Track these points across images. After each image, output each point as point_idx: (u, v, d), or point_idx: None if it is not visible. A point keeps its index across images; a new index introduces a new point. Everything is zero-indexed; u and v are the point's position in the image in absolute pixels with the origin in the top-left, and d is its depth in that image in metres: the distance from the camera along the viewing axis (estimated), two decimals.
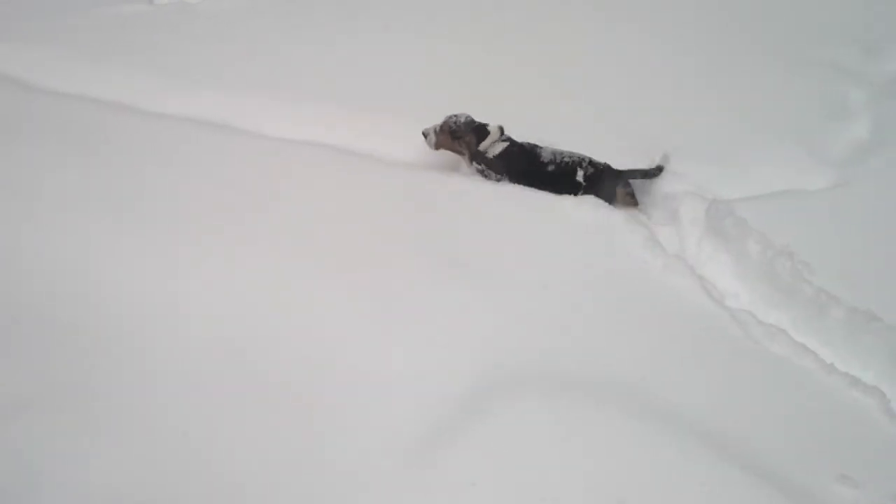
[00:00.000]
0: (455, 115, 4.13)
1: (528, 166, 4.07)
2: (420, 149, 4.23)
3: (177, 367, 2.87)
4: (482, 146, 4.10)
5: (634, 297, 3.40)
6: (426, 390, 2.82)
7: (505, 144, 4.10)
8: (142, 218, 3.54)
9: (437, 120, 4.16)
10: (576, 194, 3.96)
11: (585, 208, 3.80)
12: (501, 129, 4.14)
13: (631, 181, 4.07)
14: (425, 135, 4.16)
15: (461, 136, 4.11)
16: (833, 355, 3.16)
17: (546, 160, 4.06)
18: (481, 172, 4.14)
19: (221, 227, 3.51)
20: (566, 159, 4.04)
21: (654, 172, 4.10)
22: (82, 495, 2.41)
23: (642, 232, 3.68)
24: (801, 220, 3.84)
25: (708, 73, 5.06)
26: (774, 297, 3.49)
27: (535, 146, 4.12)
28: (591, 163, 4.04)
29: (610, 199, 3.98)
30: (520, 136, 4.16)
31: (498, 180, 4.10)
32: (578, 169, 4.02)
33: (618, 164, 4.08)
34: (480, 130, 4.12)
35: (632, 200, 4.05)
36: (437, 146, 4.18)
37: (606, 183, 4.02)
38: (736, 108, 4.71)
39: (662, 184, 4.08)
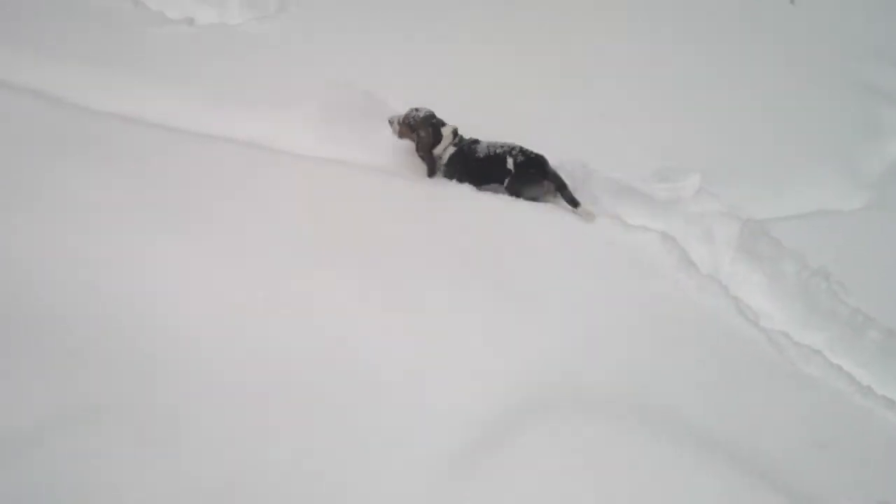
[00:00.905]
0: (416, 109, 4.28)
1: (465, 165, 4.21)
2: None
3: (231, 377, 2.90)
4: (436, 152, 4.25)
5: (668, 318, 3.40)
6: (461, 406, 2.83)
7: (454, 150, 4.25)
8: (196, 235, 3.60)
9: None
10: (503, 182, 4.10)
11: (619, 229, 3.81)
12: (455, 132, 4.29)
13: (556, 181, 4.09)
14: (391, 122, 4.32)
15: (415, 129, 4.24)
16: (870, 377, 3.16)
17: (482, 155, 4.19)
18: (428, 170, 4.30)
19: (267, 245, 3.57)
20: (498, 150, 4.15)
21: (569, 198, 4.02)
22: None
23: (676, 252, 3.69)
24: (836, 240, 3.83)
25: (741, 92, 5.07)
26: (810, 318, 3.49)
27: (475, 142, 4.25)
28: (522, 151, 4.12)
29: (536, 188, 4.09)
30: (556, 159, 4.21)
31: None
32: (508, 157, 4.11)
33: (649, 184, 4.09)
34: (435, 128, 4.25)
35: (551, 197, 4.11)
36: (401, 135, 4.32)
37: (534, 171, 4.09)
38: (770, 128, 4.73)
39: (696, 204, 4.08)
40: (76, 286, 3.33)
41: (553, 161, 4.16)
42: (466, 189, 4.12)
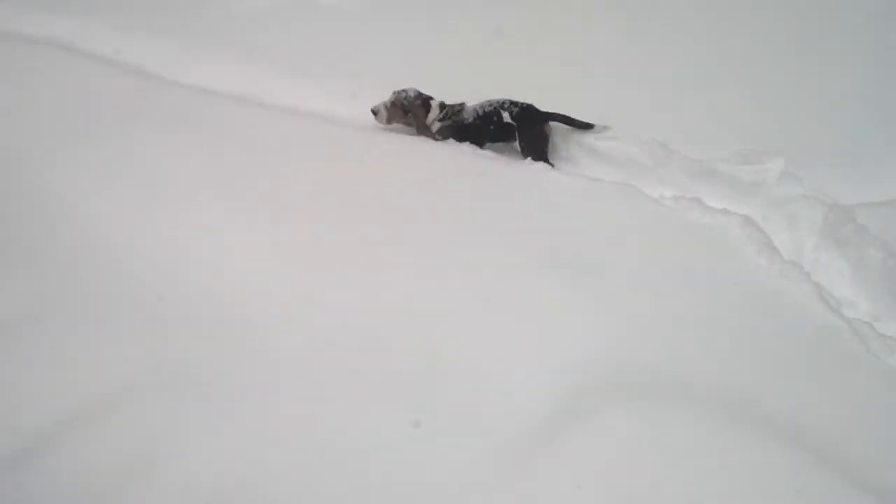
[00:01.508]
0: (404, 91, 4.49)
1: (462, 128, 4.40)
2: None
3: (298, 356, 2.98)
4: (428, 120, 4.46)
5: (747, 303, 3.33)
6: (537, 386, 2.85)
7: (440, 125, 4.47)
8: (269, 210, 3.71)
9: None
10: (512, 140, 4.30)
11: (699, 211, 3.75)
12: (442, 105, 4.49)
13: (556, 117, 4.27)
14: (375, 112, 4.48)
15: (411, 110, 4.47)
16: None
17: (472, 118, 4.37)
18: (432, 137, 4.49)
19: (344, 222, 3.65)
20: (487, 108, 4.33)
21: (581, 124, 4.24)
22: (193, 479, 2.51)
23: (758, 237, 3.61)
24: None
25: (827, 72, 4.90)
26: (895, 307, 3.40)
27: (461, 107, 4.46)
28: (512, 102, 4.29)
29: (543, 135, 4.25)
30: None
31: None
32: (502, 111, 4.27)
33: (731, 166, 4.02)
34: (426, 103, 4.49)
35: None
36: (389, 120, 4.52)
37: (536, 118, 4.25)
38: (858, 109, 4.56)
39: (779, 187, 3.98)
40: (157, 257, 3.47)
41: (631, 140, 4.13)
42: (537, 167, 4.09)
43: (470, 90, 4.55)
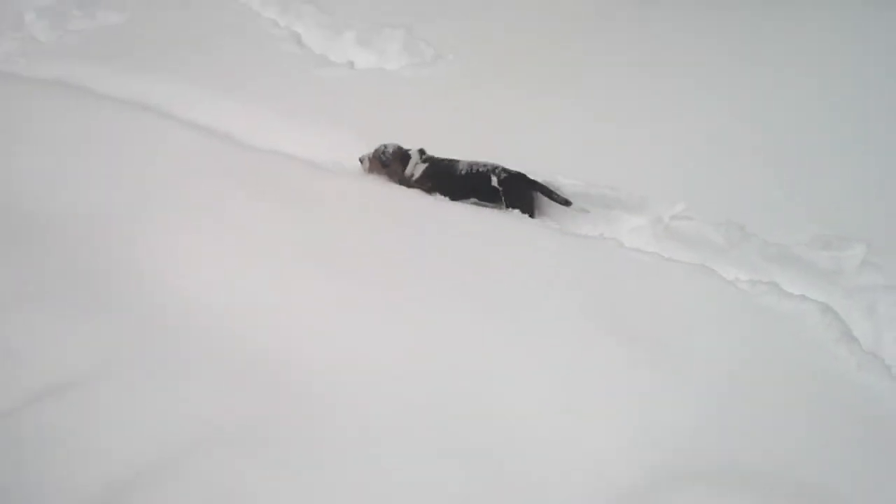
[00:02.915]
0: (385, 145, 4.67)
1: (448, 179, 4.55)
2: None
3: (366, 422, 3.02)
4: (407, 171, 4.61)
5: (824, 395, 3.24)
6: (599, 467, 2.84)
7: (425, 166, 4.62)
8: (346, 272, 3.80)
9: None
10: (497, 202, 4.43)
11: (775, 297, 3.68)
12: (422, 152, 4.67)
13: (541, 189, 4.42)
14: (361, 161, 4.71)
15: (388, 165, 4.65)
16: None
17: (463, 172, 4.51)
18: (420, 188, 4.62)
19: (415, 285, 3.72)
20: (480, 168, 4.47)
21: (561, 200, 4.38)
22: None
23: (838, 325, 3.52)
24: None
25: None
26: None
27: (454, 161, 4.59)
28: (504, 169, 4.43)
29: (530, 204, 4.43)
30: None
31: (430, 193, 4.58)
32: (492, 175, 4.42)
33: (810, 251, 3.94)
34: (405, 157, 4.66)
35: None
36: (370, 171, 4.71)
37: (521, 187, 4.40)
38: None
39: (859, 276, 3.88)
40: (237, 316, 3.55)
41: (706, 220, 4.09)
42: (608, 243, 4.09)
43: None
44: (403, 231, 4.14)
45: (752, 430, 3.04)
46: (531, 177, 4.43)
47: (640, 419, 3.06)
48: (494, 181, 4.41)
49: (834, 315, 3.57)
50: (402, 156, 4.66)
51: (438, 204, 4.40)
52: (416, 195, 4.49)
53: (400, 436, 2.96)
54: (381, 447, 2.91)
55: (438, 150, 4.76)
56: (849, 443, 3.02)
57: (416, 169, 4.62)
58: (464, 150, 4.73)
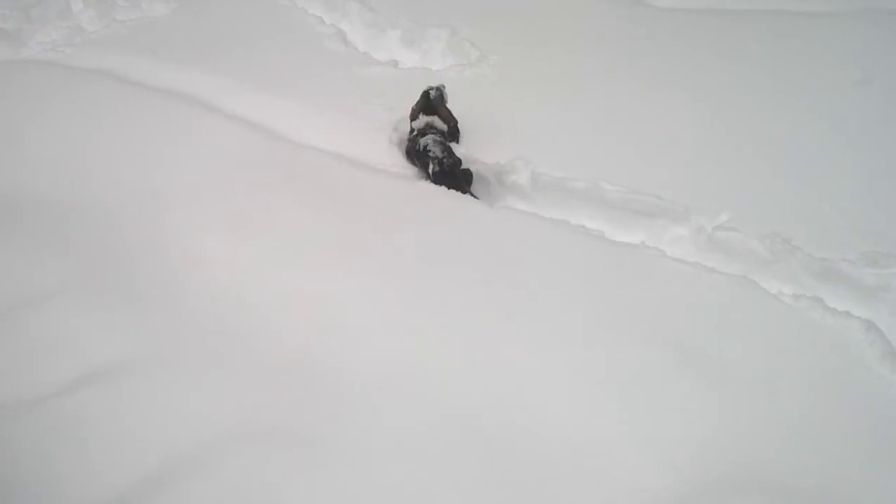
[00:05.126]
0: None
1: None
2: None
3: (398, 422, 3.05)
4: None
5: (866, 413, 3.22)
6: (641, 478, 2.84)
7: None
8: (382, 270, 3.84)
9: None
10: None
11: (819, 312, 3.64)
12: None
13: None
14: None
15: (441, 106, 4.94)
16: None
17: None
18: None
19: (451, 288, 3.73)
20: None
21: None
22: None
23: (882, 343, 3.47)
24: None
25: None
26: None
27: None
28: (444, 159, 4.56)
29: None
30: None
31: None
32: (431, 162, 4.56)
33: (856, 268, 3.89)
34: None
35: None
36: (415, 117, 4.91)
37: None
38: None
39: None
40: (266, 301, 3.63)
41: (750, 231, 4.05)
42: (649, 251, 4.09)
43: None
44: (440, 230, 4.15)
45: (789, 445, 3.03)
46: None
47: (676, 429, 3.06)
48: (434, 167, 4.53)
49: (878, 333, 3.52)
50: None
51: (476, 205, 4.39)
52: (455, 195, 4.49)
53: (432, 437, 2.98)
54: (413, 447, 2.94)
55: (482, 152, 4.77)
56: (886, 464, 2.99)
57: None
58: (507, 151, 4.75)
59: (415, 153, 4.74)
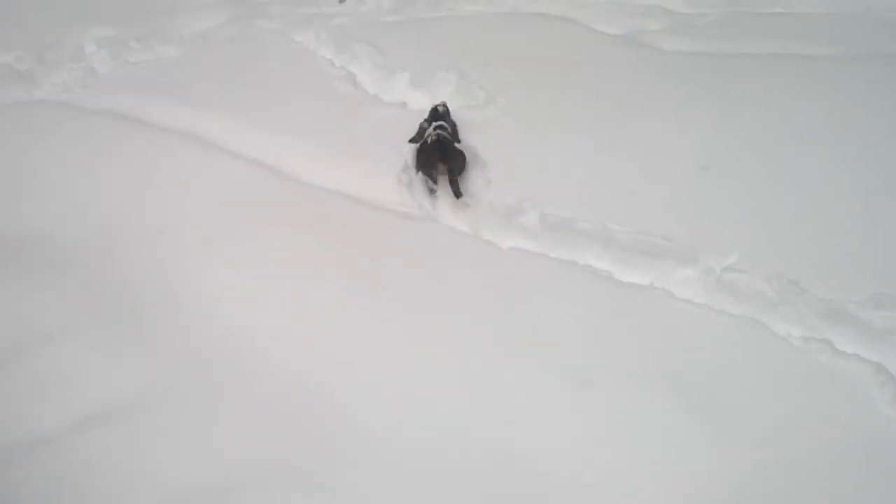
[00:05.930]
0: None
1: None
2: None
3: (408, 458, 3.06)
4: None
5: (876, 460, 3.19)
6: None
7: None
8: (391, 309, 3.87)
9: None
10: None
11: (827, 354, 3.62)
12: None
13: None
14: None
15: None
16: None
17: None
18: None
19: (464, 330, 3.75)
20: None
21: (456, 191, 4.82)
22: None
23: (891, 387, 3.45)
24: None
25: None
26: None
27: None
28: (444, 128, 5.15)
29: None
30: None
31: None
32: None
33: (864, 310, 3.87)
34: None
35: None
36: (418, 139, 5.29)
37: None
38: None
39: None
40: (274, 347, 3.64)
41: (759, 273, 4.04)
42: (658, 293, 4.08)
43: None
44: (450, 270, 4.18)
45: (796, 493, 3.03)
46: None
47: (682, 475, 3.07)
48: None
49: (888, 375, 3.51)
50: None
51: (487, 245, 4.41)
52: (469, 237, 4.51)
53: (450, 482, 2.99)
54: (429, 490, 2.94)
55: (490, 192, 4.85)
56: None
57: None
58: (515, 192, 4.80)
59: (420, 150, 5.09)
